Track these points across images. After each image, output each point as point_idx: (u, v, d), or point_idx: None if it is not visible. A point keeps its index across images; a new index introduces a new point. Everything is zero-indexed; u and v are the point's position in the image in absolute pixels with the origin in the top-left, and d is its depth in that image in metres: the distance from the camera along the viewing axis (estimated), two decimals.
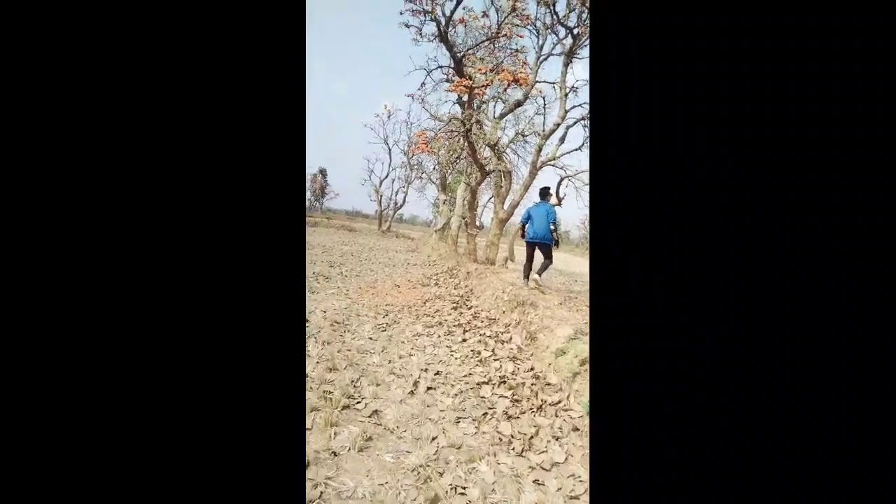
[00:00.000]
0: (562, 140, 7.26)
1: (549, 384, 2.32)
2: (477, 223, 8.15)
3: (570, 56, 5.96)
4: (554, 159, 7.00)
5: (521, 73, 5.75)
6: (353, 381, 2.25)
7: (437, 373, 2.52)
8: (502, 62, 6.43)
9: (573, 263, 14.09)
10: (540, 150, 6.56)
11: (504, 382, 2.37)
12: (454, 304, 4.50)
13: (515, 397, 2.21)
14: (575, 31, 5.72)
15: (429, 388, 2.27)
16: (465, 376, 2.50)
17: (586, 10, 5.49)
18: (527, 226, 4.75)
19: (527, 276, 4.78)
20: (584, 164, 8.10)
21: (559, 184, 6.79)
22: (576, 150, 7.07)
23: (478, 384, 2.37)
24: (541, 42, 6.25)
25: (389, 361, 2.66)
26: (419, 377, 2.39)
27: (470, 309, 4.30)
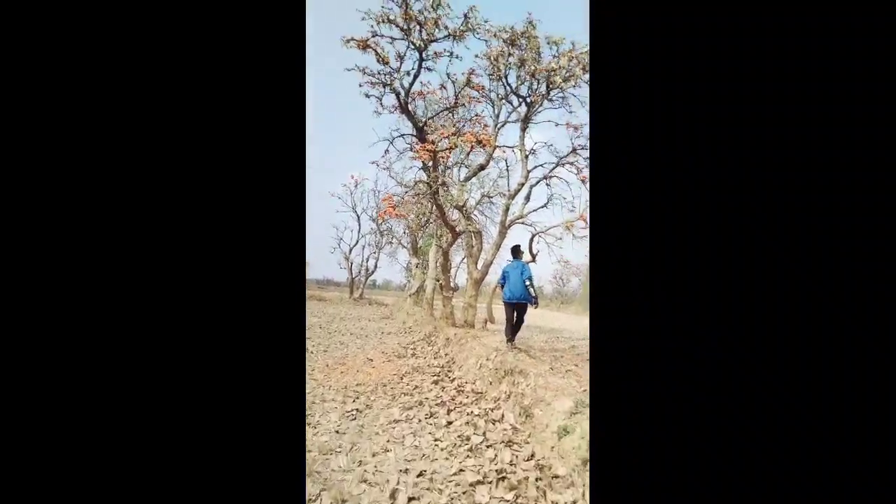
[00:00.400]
0: (527, 199, 7.43)
1: (556, 477, 1.92)
2: (452, 285, 7.93)
3: (525, 122, 6.32)
4: (521, 217, 7.09)
5: (482, 134, 5.97)
6: (310, 499, 1.75)
7: (421, 473, 2.05)
8: (463, 127, 6.72)
9: (550, 318, 13.93)
10: (507, 209, 6.65)
11: (503, 479, 1.94)
12: (435, 378, 4.07)
13: (519, 500, 1.78)
14: (528, 100, 6.12)
15: (411, 500, 1.80)
16: (454, 475, 2.04)
17: (536, 81, 5.92)
18: (504, 286, 4.57)
19: (510, 338, 4.47)
20: (552, 220, 8.40)
21: (531, 241, 6.82)
22: (541, 207, 7.23)
23: (471, 485, 1.92)
24: (496, 111, 6.64)
25: (360, 463, 2.16)
26: (398, 483, 1.92)
27: (453, 381, 3.89)
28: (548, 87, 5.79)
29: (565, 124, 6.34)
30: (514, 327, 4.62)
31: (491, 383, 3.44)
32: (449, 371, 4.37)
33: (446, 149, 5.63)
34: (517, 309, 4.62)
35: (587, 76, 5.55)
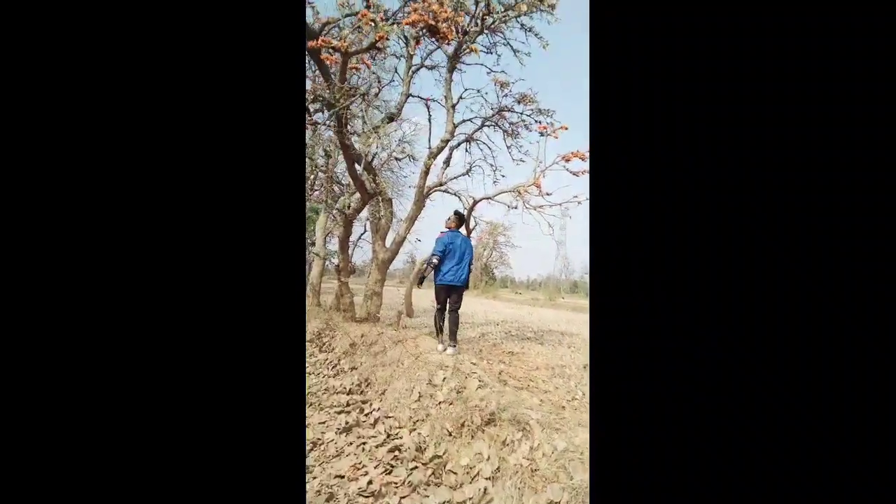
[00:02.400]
0: (447, 163, 6.09)
1: None
2: (349, 266, 6.19)
3: (454, 60, 4.92)
4: (442, 184, 5.76)
5: (442, 12, 3.26)
6: None
7: None
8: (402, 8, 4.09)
9: (477, 305, 12.75)
10: (427, 171, 5.22)
11: None
12: (343, 426, 2.18)
13: None
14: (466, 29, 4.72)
15: None
16: None
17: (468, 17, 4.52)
18: (443, 264, 3.23)
19: (451, 341, 3.19)
20: (473, 190, 6.82)
21: (470, 210, 5.51)
22: (463, 174, 6.03)
23: None
24: (411, 52, 5.05)
25: None
26: None
27: (375, 426, 2.17)
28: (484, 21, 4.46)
29: (493, 80, 5.17)
30: (452, 321, 3.34)
31: (453, 437, 1.77)
32: (365, 407, 2.43)
33: (368, 48, 3.20)
34: (457, 295, 3.36)
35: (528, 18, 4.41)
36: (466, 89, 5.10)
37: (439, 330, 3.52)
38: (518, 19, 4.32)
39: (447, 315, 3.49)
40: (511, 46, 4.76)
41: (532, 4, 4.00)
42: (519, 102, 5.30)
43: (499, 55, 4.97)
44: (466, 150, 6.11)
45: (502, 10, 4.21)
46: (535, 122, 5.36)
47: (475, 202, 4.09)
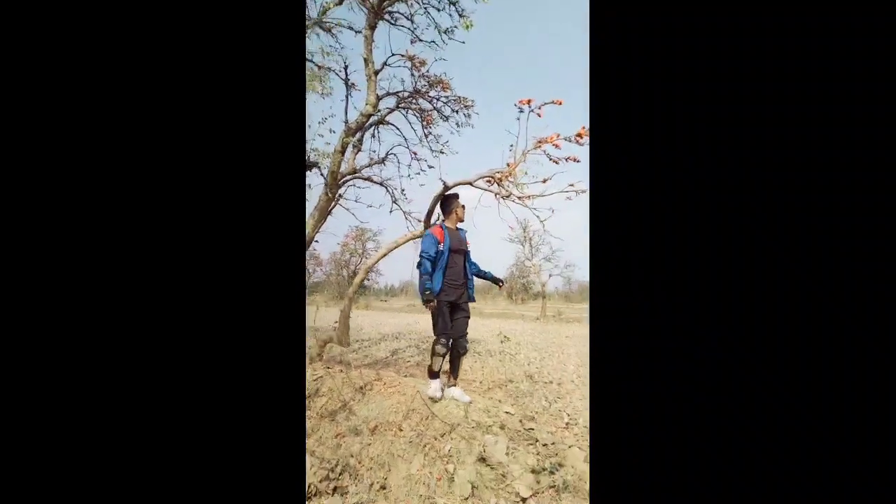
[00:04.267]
0: (356, 147, 4.92)
1: None
2: None
3: (376, 16, 3.91)
4: (355, 172, 4.59)
5: None
6: None
7: None
8: None
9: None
10: (343, 151, 4.00)
11: None
12: None
13: None
14: None
15: None
16: None
17: None
18: (440, 271, 2.32)
19: (453, 376, 2.30)
20: (405, 184, 5.13)
21: (439, 199, 4.06)
22: (377, 163, 4.97)
23: None
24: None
25: None
26: None
27: None
28: None
29: (404, 52, 4.39)
30: (458, 350, 2.43)
31: None
32: None
33: None
34: (460, 315, 2.47)
35: None
36: (393, 54, 4.11)
37: (439, 366, 2.51)
38: None
39: (458, 350, 2.59)
40: (434, 20, 4.03)
41: None
42: (433, 86, 4.64)
43: (415, 27, 4.15)
44: (373, 136, 5.08)
45: None
46: (452, 111, 4.81)
47: (446, 188, 3.14)
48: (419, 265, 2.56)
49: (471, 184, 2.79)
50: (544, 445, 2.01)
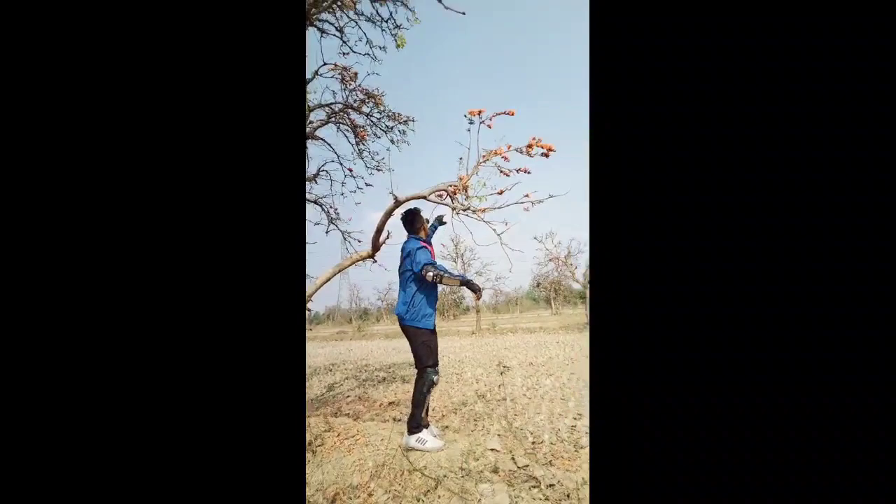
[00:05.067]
0: None
1: None
2: None
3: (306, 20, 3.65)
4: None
5: None
6: None
7: None
8: None
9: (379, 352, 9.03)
10: None
11: None
12: None
13: None
14: None
15: None
16: None
17: None
18: (428, 294, 2.19)
19: (424, 421, 2.09)
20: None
21: (388, 214, 3.56)
22: (308, 180, 4.57)
23: None
24: None
25: None
26: None
27: None
28: None
29: (333, 67, 4.22)
30: (421, 396, 2.20)
31: None
32: None
33: None
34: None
35: None
36: (325, 63, 3.84)
37: (424, 407, 2.22)
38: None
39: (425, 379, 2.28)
40: (365, 34, 3.91)
41: None
42: (364, 101, 4.51)
43: (346, 39, 3.99)
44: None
45: None
46: (387, 127, 4.71)
47: (397, 203, 2.84)
48: (426, 274, 2.26)
49: (425, 198, 2.65)
50: (550, 486, 1.84)
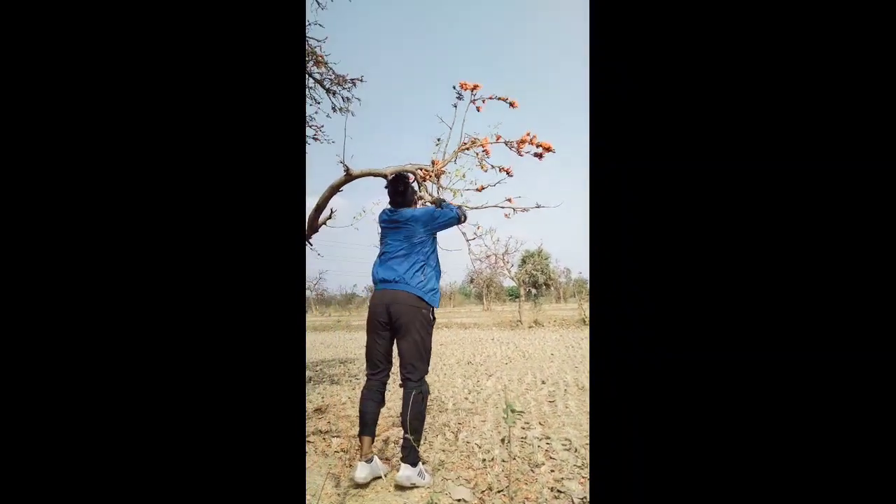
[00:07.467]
0: None
1: None
2: None
3: None
4: None
5: None
6: None
7: None
8: None
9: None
10: None
11: None
12: None
13: None
14: None
15: None
16: None
17: None
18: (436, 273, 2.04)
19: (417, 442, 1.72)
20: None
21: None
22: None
23: None
24: None
25: None
26: None
27: None
28: None
29: None
30: (412, 414, 1.86)
31: None
32: None
33: None
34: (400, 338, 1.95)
35: None
36: None
37: (419, 431, 1.81)
38: None
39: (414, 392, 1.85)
40: None
41: None
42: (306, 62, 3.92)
43: None
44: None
45: None
46: (332, 91, 4.16)
47: (349, 177, 2.15)
48: (465, 215, 2.09)
49: (385, 176, 2.16)
50: None
